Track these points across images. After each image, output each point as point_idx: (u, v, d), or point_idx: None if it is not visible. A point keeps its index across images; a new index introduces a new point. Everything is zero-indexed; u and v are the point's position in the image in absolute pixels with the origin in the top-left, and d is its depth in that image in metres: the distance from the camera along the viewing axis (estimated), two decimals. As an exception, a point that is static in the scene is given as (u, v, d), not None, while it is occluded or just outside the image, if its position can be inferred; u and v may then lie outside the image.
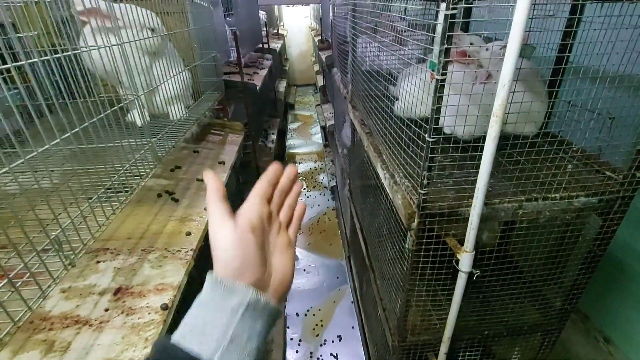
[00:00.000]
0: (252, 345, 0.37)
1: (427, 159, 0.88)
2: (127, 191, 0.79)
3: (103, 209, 0.70)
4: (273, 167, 0.47)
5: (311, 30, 7.86)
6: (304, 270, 2.88)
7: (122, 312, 0.75)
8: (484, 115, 1.19)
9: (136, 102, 1.25)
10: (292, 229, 0.49)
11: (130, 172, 0.86)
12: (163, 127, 1.14)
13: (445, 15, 0.72)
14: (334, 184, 3.80)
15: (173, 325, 0.82)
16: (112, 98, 0.94)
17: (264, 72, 3.10)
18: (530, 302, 1.37)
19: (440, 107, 0.82)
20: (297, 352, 2.22)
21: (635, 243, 1.84)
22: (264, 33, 4.33)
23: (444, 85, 0.79)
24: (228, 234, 0.40)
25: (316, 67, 6.74)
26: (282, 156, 5.01)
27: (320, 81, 5.48)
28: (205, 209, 1.14)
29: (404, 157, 1.08)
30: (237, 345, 0.36)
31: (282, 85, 5.56)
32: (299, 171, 4.71)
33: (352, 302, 2.52)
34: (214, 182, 0.42)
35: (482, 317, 1.33)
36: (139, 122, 1.26)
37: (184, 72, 1.37)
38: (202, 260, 1.12)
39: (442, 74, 0.78)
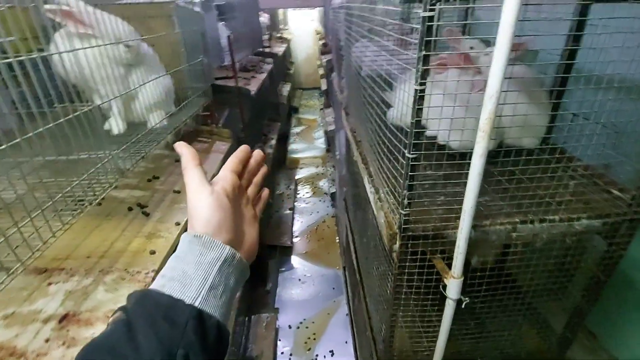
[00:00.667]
0: (225, 299, 0.39)
1: (407, 177, 0.80)
2: (75, 210, 0.72)
3: (38, 232, 0.64)
4: (243, 148, 0.52)
5: (317, 34, 7.82)
6: (299, 280, 2.80)
7: (63, 344, 0.68)
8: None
9: (112, 109, 1.20)
10: (259, 207, 0.54)
11: (83, 189, 0.80)
12: (135, 136, 1.08)
13: (423, 17, 0.64)
14: (334, 190, 3.72)
15: None
16: (78, 107, 0.88)
17: (262, 76, 3.05)
18: (528, 327, 1.27)
19: (419, 120, 0.74)
20: (287, 366, 2.15)
21: (646, 260, 1.71)
22: (265, 37, 4.28)
23: (423, 96, 0.71)
24: (207, 196, 0.43)
25: (321, 71, 6.68)
26: (283, 161, 4.95)
27: (324, 85, 5.42)
28: (176, 223, 1.08)
29: (388, 171, 1.00)
30: (214, 295, 0.38)
31: (285, 89, 5.51)
32: (301, 176, 4.64)
33: (346, 314, 2.43)
34: (188, 150, 0.46)
35: (476, 343, 1.23)
36: (115, 130, 1.21)
37: (163, 78, 1.31)
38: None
39: (421, 84, 0.70)
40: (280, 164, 4.73)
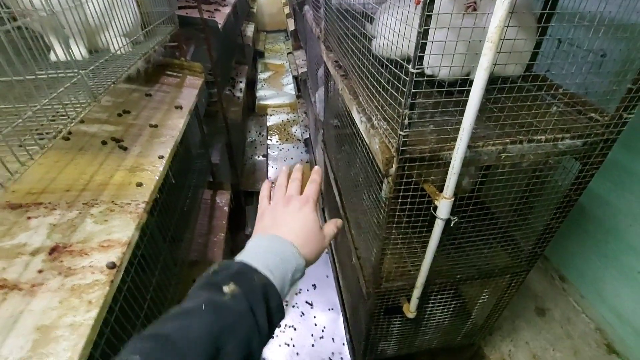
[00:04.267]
0: (285, 291, 0.44)
1: (410, 94, 0.78)
2: (48, 133, 0.64)
3: (14, 153, 0.56)
4: (285, 169, 0.62)
5: (281, -33, 7.14)
6: (278, 223, 2.83)
7: (60, 274, 0.64)
8: (471, 54, 1.08)
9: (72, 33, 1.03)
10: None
11: (55, 112, 0.70)
12: (99, 60, 0.95)
13: None
14: (308, 136, 3.67)
15: (123, 286, 0.73)
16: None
17: (227, 10, 2.77)
18: (501, 247, 1.39)
19: (428, 30, 0.70)
20: (272, 302, 2.24)
21: (596, 187, 1.89)
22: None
23: (433, 1, 0.67)
24: (314, 219, 0.52)
25: (287, 10, 6.21)
26: (252, 108, 4.75)
27: (291, 25, 5.08)
28: (159, 156, 1.01)
29: (383, 97, 0.97)
30: (281, 286, 0.43)
31: (249, 29, 5.11)
32: (272, 124, 4.50)
33: (326, 252, 2.53)
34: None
35: (455, 262, 1.34)
36: (60, 55, 1.03)
37: (124, -6, 1.14)
38: (157, 214, 1.01)
39: (434, -14, 0.65)
40: (250, 111, 4.55)
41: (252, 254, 0.44)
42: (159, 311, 1.03)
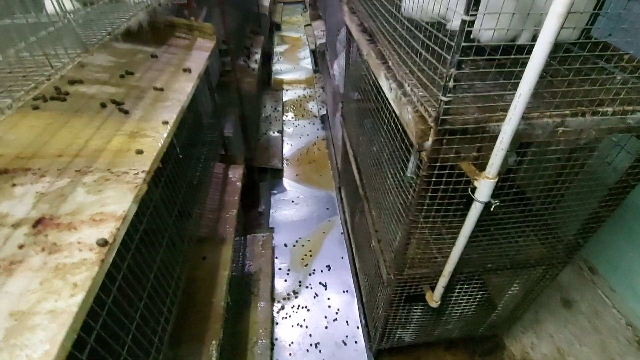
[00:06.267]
0: None
1: (458, 49, 0.64)
2: (26, 85, 0.54)
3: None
4: None
5: None
6: (292, 201, 2.75)
7: (43, 250, 0.56)
8: (519, 15, 0.92)
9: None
10: None
11: (36, 63, 0.60)
12: (94, 10, 0.84)
13: None
14: (325, 112, 3.52)
15: (122, 264, 0.64)
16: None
17: (243, -28, 2.59)
18: (541, 235, 1.26)
19: (491, -37, 0.55)
20: (285, 281, 2.18)
21: None
22: None
23: None
24: None
25: (306, -21, 5.89)
26: (268, 82, 4.59)
27: (310, -6, 4.81)
28: (164, 122, 0.90)
29: (423, 58, 0.83)
30: None
31: (266, -1, 4.88)
32: (287, 99, 4.34)
33: (341, 233, 2.44)
34: None
35: (486, 251, 1.22)
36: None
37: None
38: (162, 186, 0.92)
39: None
40: (266, 85, 4.40)
41: None
42: (164, 291, 0.96)
